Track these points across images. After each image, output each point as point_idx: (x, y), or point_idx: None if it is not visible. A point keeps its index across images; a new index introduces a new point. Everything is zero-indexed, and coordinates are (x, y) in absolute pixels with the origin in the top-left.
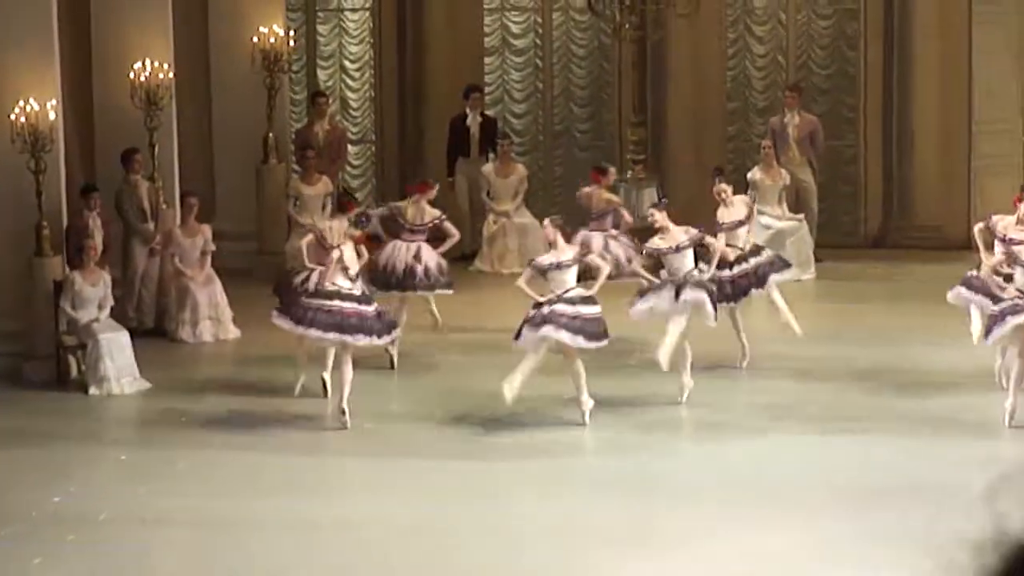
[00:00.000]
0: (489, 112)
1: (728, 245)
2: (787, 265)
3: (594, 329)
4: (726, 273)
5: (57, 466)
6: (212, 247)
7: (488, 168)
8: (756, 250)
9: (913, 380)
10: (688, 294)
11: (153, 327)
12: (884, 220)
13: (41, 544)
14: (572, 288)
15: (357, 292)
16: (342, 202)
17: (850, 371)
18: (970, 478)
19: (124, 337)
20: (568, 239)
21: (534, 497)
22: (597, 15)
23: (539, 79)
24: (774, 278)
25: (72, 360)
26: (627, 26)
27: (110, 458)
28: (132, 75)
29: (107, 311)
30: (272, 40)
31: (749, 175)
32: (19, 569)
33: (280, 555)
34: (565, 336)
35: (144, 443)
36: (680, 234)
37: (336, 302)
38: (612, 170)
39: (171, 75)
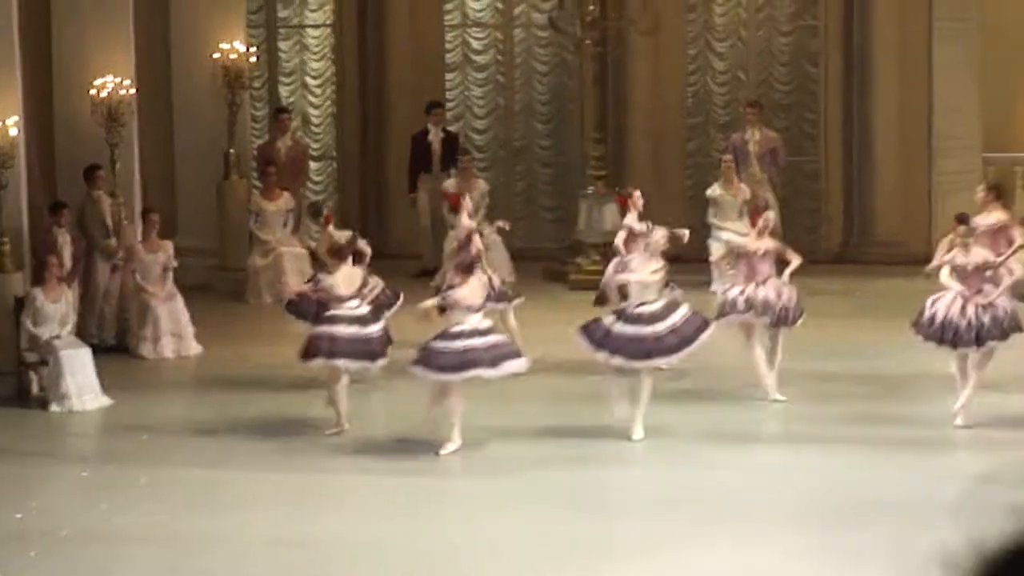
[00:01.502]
0: (451, 128)
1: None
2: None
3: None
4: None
5: (18, 482)
6: (174, 263)
7: (449, 183)
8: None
9: (874, 394)
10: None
11: (115, 343)
12: (845, 235)
13: (2, 561)
14: None
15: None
16: (320, 217)
17: (811, 386)
18: (934, 492)
19: (86, 354)
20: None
21: (497, 512)
22: (558, 31)
23: (500, 95)
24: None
25: (33, 377)
26: (588, 42)
27: (71, 474)
28: (93, 91)
29: (69, 328)
30: (233, 57)
31: (709, 191)
32: None
33: (242, 572)
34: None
35: (106, 459)
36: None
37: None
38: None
39: (132, 91)
